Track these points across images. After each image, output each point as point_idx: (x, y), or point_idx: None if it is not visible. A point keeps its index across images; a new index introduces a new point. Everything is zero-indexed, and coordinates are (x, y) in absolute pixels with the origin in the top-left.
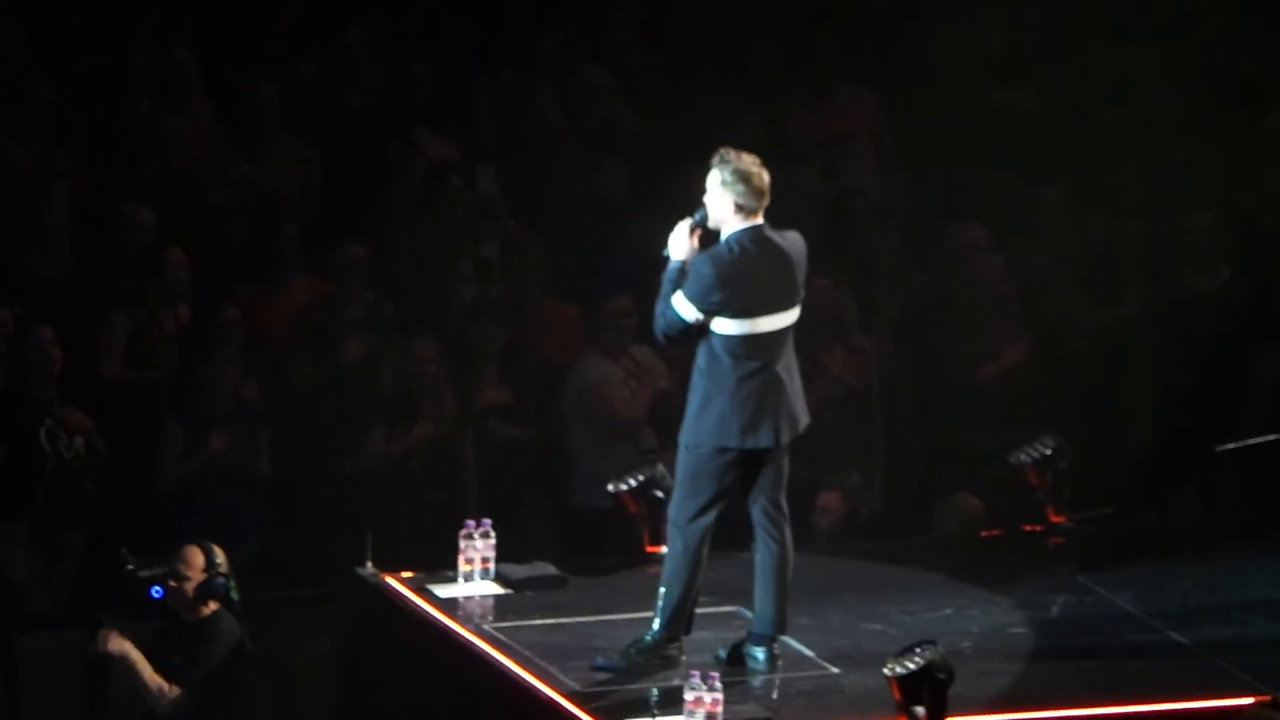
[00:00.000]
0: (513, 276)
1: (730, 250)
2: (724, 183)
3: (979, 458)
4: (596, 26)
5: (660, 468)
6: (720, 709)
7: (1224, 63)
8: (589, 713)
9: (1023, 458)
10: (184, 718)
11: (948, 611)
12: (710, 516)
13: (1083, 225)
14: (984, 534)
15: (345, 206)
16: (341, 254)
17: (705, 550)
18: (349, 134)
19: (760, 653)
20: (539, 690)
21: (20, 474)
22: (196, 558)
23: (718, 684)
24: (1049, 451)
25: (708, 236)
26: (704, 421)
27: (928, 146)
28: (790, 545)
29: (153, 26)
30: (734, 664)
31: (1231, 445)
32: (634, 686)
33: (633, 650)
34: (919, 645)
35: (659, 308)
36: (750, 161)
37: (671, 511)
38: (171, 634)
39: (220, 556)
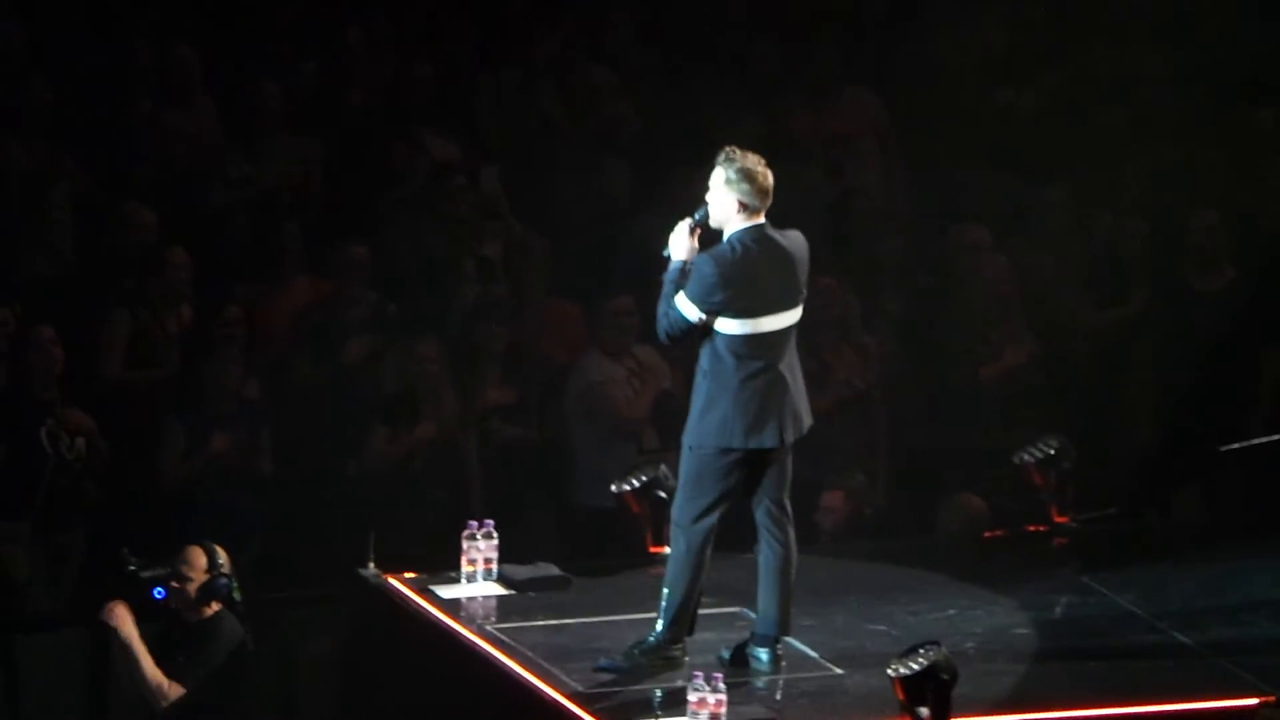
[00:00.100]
0: (515, 276)
1: (733, 250)
2: (729, 181)
3: (982, 458)
4: (597, 26)
5: (663, 468)
6: (724, 710)
7: (1224, 62)
8: (592, 714)
9: (1026, 458)
10: (186, 718)
11: (951, 612)
12: (714, 517)
13: (1085, 225)
14: (987, 534)
15: (347, 206)
16: (343, 254)
17: (708, 551)
18: (351, 133)
19: (764, 653)
20: (542, 691)
21: (21, 474)
22: (199, 558)
23: (721, 685)
24: (1052, 452)
25: (707, 236)
26: (707, 422)
27: (929, 147)
28: (794, 546)
29: (154, 26)
30: (737, 665)
31: (1235, 445)
32: (637, 687)
33: (636, 651)
34: (923, 646)
35: (661, 309)
36: (755, 161)
37: (675, 512)
38: (174, 634)
39: (223, 557)
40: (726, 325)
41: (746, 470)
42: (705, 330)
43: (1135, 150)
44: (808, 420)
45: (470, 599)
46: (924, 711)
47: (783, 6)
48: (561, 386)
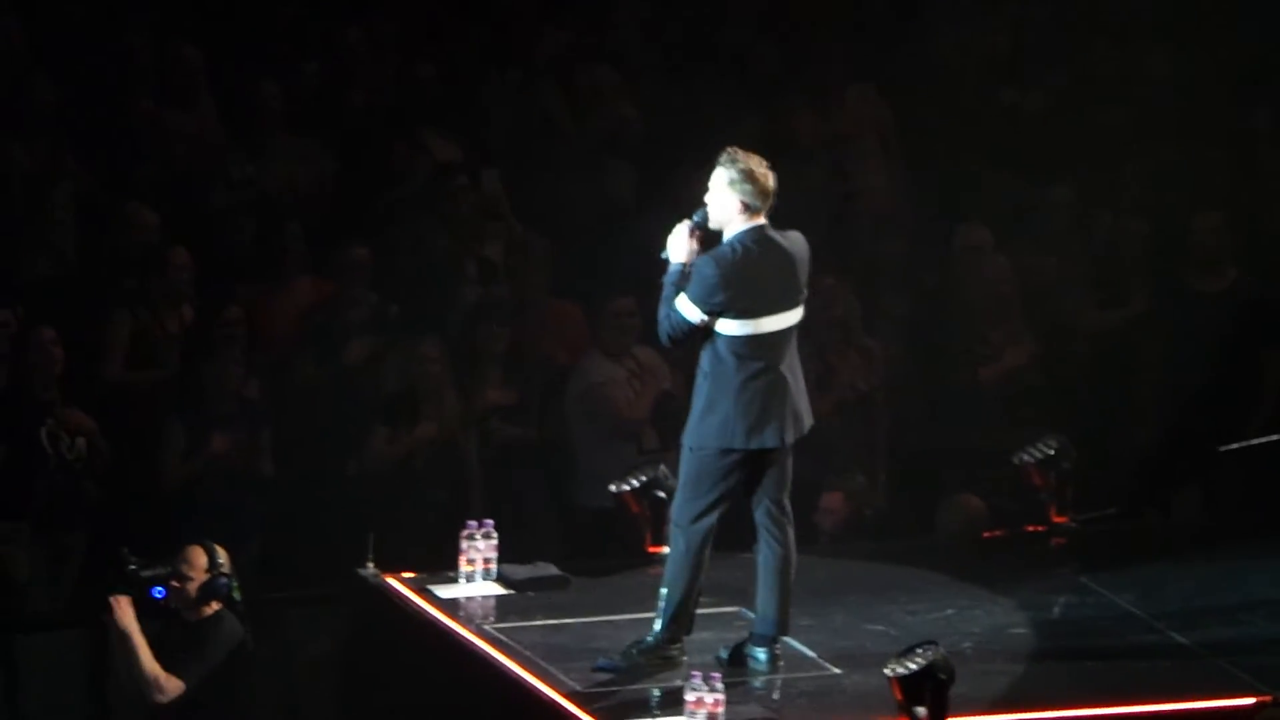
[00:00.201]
0: (516, 277)
1: (733, 250)
2: (731, 181)
3: (982, 458)
4: (599, 26)
5: (662, 468)
6: (722, 710)
7: (1225, 62)
8: (590, 713)
9: (1026, 458)
10: (185, 716)
11: (950, 612)
12: (713, 518)
13: (1086, 225)
14: (986, 534)
15: (349, 207)
16: (345, 254)
17: (707, 551)
18: (353, 134)
19: (762, 653)
20: (540, 691)
21: (22, 474)
22: (199, 558)
23: (719, 684)
24: (1052, 452)
25: (707, 239)
26: (708, 423)
27: (931, 147)
28: (793, 546)
29: (155, 25)
30: (735, 664)
31: (1235, 446)
32: (635, 687)
33: (634, 651)
34: (921, 646)
35: (662, 311)
36: (757, 162)
37: (674, 512)
38: (174, 634)
39: (223, 556)
40: (727, 326)
41: (747, 471)
42: (707, 332)
43: (1137, 151)
44: (808, 421)
45: (469, 599)
46: (921, 711)
47: (784, 6)
48: (562, 387)
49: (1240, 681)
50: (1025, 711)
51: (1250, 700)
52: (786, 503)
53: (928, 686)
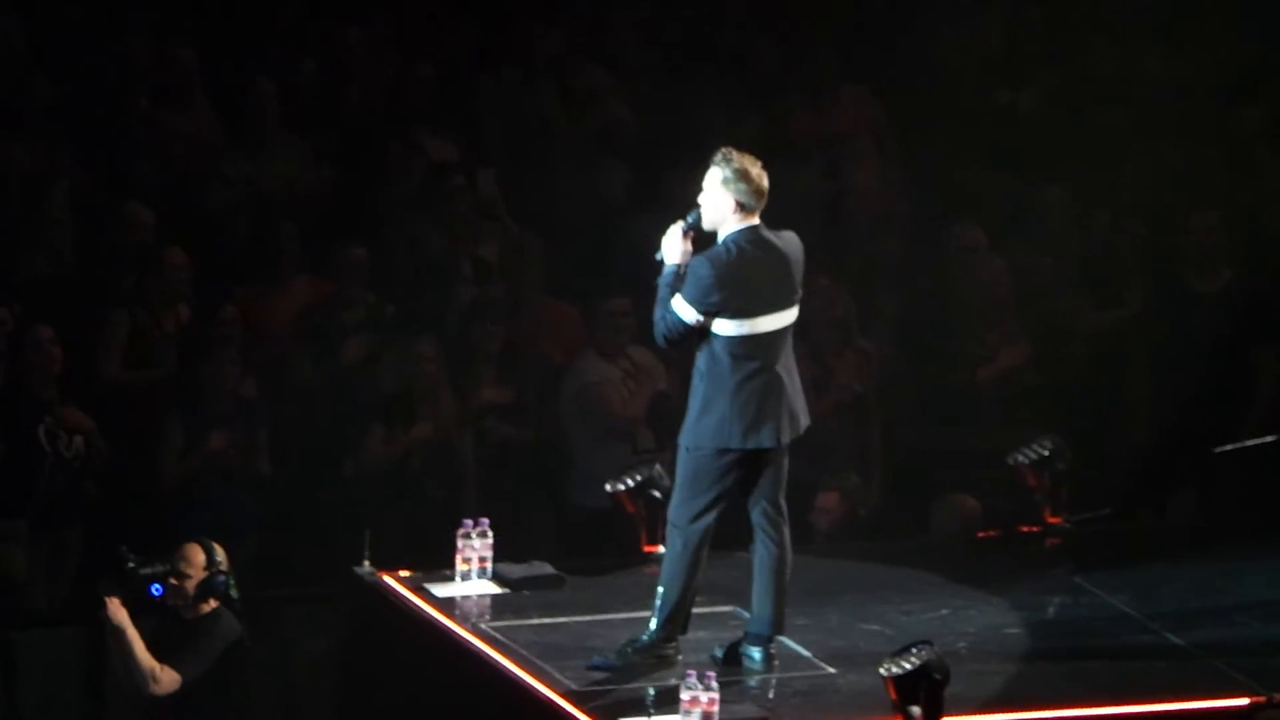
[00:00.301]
0: (511, 276)
1: (728, 251)
2: (725, 181)
3: (977, 459)
4: (596, 26)
5: (658, 467)
6: (716, 709)
7: (1224, 62)
8: (585, 712)
9: (1020, 459)
10: (183, 714)
11: (944, 612)
12: (711, 518)
13: (1083, 226)
14: (981, 535)
15: (346, 206)
16: (342, 254)
17: (705, 551)
18: (349, 134)
19: (757, 653)
20: (536, 689)
21: (20, 473)
22: (197, 555)
23: (714, 684)
24: (1047, 452)
25: (701, 240)
26: (705, 423)
27: (928, 147)
28: (789, 546)
29: (153, 26)
30: (730, 664)
31: (1230, 447)
32: (630, 686)
33: (629, 650)
34: (915, 645)
35: (657, 313)
36: (751, 161)
37: (671, 513)
38: (172, 631)
39: (221, 554)
40: (723, 326)
41: (743, 470)
42: (703, 332)
43: (1134, 151)
44: (805, 420)
45: (465, 597)
46: (916, 711)
47: (782, 6)
48: (557, 387)
49: (1235, 682)
50: (1020, 711)
51: (1245, 701)
52: (782, 502)
53: (922, 686)
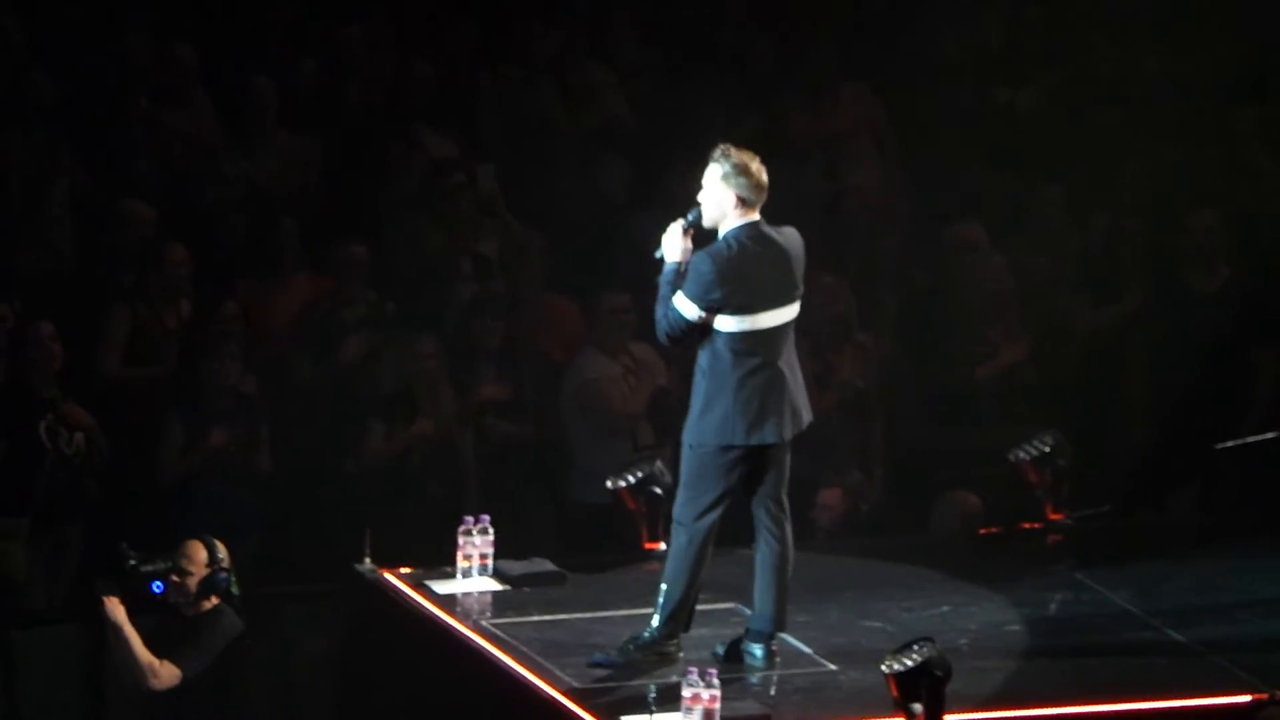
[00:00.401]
0: (511, 273)
1: (729, 247)
2: (725, 176)
3: (978, 456)
4: (596, 25)
5: (658, 464)
6: (718, 706)
7: (1223, 62)
8: (587, 709)
9: (1021, 455)
10: (183, 712)
11: (945, 609)
12: (716, 515)
13: (1082, 224)
14: (982, 531)
15: (346, 204)
16: (342, 252)
17: (709, 549)
18: (349, 131)
19: (758, 649)
20: (537, 687)
21: (21, 470)
22: (199, 553)
23: (715, 680)
24: (1047, 449)
25: (701, 237)
26: (708, 420)
27: (928, 146)
28: (790, 543)
29: (153, 24)
30: (732, 661)
31: (1230, 443)
32: (632, 683)
33: (631, 646)
34: (916, 642)
35: (659, 311)
36: (750, 156)
37: (676, 510)
38: (173, 628)
39: (222, 552)
40: (724, 322)
41: (747, 467)
42: (705, 329)
43: (1133, 150)
44: (807, 416)
45: (465, 594)
46: (917, 708)
47: (782, 5)
48: (557, 383)
49: (1237, 679)
50: (1021, 708)
51: (1247, 698)
52: (785, 499)
53: (923, 683)
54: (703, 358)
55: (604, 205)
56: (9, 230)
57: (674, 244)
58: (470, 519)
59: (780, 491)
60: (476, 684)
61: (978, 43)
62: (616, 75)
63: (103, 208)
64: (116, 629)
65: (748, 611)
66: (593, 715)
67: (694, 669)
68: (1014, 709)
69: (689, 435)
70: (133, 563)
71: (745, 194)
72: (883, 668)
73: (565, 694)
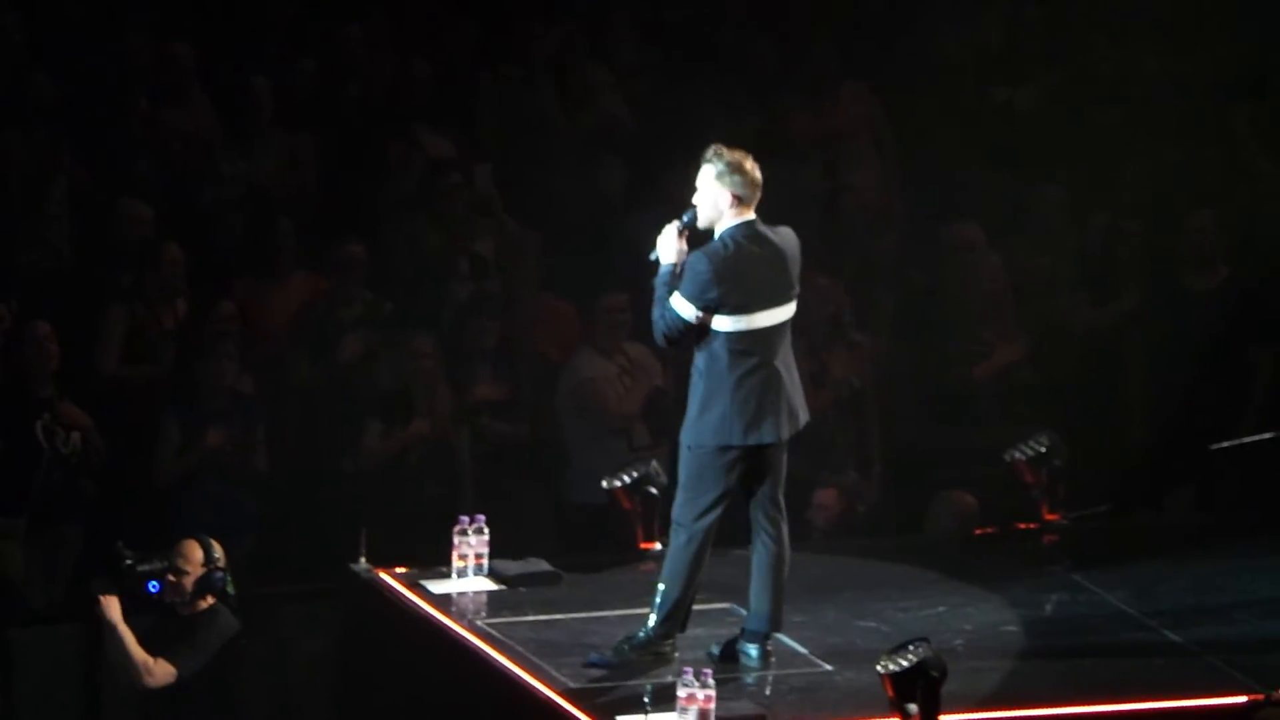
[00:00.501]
0: (508, 273)
1: (725, 246)
2: (719, 175)
3: (974, 455)
4: (596, 24)
5: (654, 464)
6: (713, 706)
7: (1223, 62)
8: (582, 709)
9: (1017, 455)
10: (179, 711)
11: (941, 609)
12: (714, 515)
13: (1081, 224)
14: (978, 531)
15: (343, 203)
16: (340, 251)
17: (708, 550)
18: (347, 131)
19: (754, 649)
20: (532, 686)
21: (18, 470)
22: (195, 552)
23: (710, 681)
24: (1043, 449)
25: (695, 239)
26: (706, 421)
27: (926, 145)
28: (787, 543)
29: (152, 23)
30: (727, 661)
31: (1227, 444)
32: (627, 683)
33: (626, 646)
34: (912, 642)
35: (656, 312)
36: (743, 155)
37: (675, 511)
38: (169, 628)
39: (218, 551)
40: (721, 322)
41: (745, 467)
42: (703, 329)
43: (1132, 150)
44: (804, 416)
45: (461, 594)
46: (913, 708)
47: (782, 5)
48: (553, 383)
49: (1233, 679)
50: (1017, 709)
51: (1244, 698)
52: (781, 499)
53: (919, 683)
54: (699, 359)
55: (601, 206)
56: (7, 229)
57: (669, 246)
58: (466, 519)
59: (777, 491)
60: (472, 684)
61: (977, 42)
62: (615, 75)
63: (101, 207)
64: (112, 628)
65: (743, 611)
66: (588, 715)
67: (689, 669)
68: (1010, 709)
69: (687, 436)
70: (129, 562)
71: (740, 191)
72: (878, 668)
73: (561, 694)
